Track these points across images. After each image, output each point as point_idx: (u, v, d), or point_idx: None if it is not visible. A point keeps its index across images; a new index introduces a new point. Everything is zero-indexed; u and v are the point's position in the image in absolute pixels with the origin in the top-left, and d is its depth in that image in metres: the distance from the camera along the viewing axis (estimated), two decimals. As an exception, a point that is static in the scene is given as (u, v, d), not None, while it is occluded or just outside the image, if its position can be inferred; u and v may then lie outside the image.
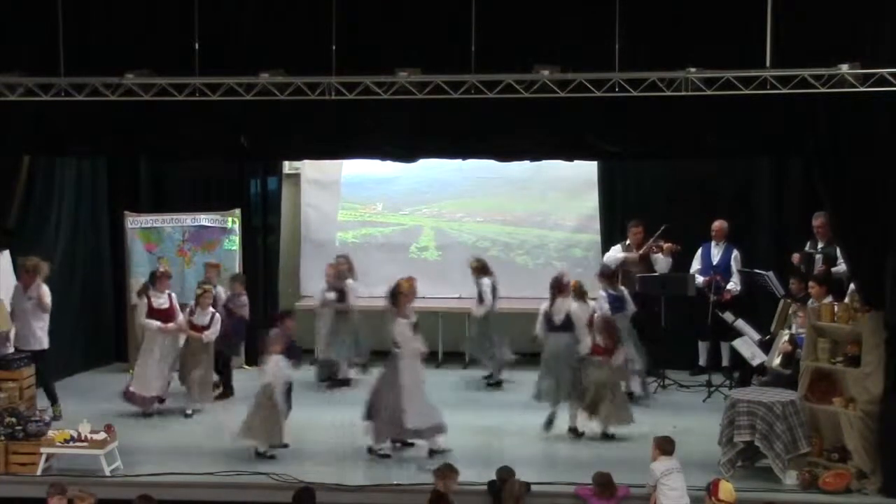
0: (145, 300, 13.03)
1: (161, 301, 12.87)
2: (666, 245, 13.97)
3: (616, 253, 14.18)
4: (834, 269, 12.32)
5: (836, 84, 9.76)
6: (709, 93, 9.88)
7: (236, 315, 13.69)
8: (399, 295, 11.44)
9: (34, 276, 12.40)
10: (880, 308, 10.17)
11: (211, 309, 12.94)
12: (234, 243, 14.96)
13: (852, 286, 10.98)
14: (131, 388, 12.71)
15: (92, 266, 15.15)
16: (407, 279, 11.65)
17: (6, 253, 12.16)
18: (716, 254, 13.97)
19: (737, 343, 12.46)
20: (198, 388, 12.79)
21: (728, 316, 12.82)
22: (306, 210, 16.22)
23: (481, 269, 14.32)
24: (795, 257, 12.98)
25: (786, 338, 11.50)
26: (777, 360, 11.46)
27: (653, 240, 13.98)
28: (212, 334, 12.87)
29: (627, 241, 14.17)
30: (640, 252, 14.01)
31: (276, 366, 11.30)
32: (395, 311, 11.41)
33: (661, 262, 14.05)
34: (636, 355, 12.92)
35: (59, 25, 10.38)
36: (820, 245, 12.81)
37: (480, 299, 14.16)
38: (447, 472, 9.73)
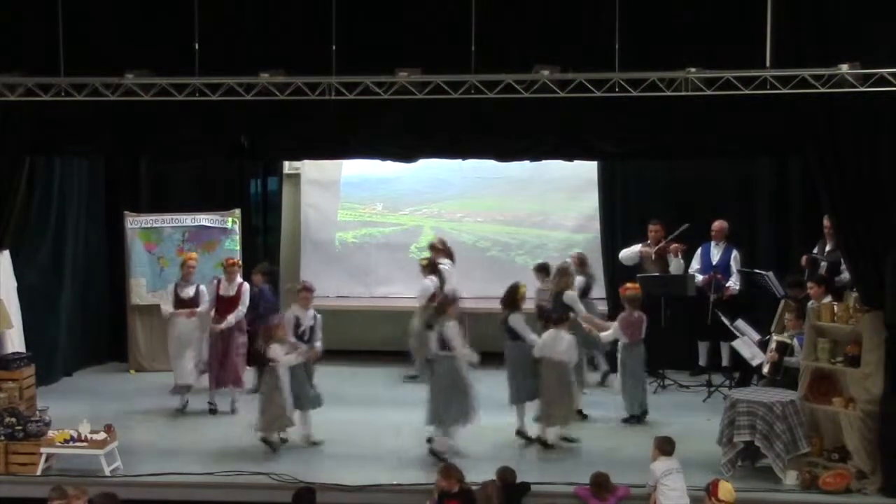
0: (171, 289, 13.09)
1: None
2: (672, 246, 13.94)
3: (633, 248, 14.16)
4: (837, 279, 12.27)
5: (836, 84, 9.77)
6: (709, 93, 9.88)
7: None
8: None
9: None
10: (880, 308, 10.17)
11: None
12: (234, 243, 14.96)
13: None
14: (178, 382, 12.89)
15: (92, 266, 15.14)
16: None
17: (6, 253, 12.14)
18: (715, 254, 13.94)
19: (737, 343, 12.44)
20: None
21: (726, 319, 12.80)
22: (306, 210, 16.20)
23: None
24: (803, 260, 12.95)
25: (773, 345, 11.44)
26: (766, 369, 11.41)
27: (668, 239, 13.95)
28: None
29: (648, 241, 14.15)
30: (656, 249, 13.98)
31: (278, 353, 11.34)
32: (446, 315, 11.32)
33: (674, 263, 14.02)
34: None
35: (59, 25, 10.39)
36: (828, 247, 12.74)
37: None
38: (452, 472, 9.73)
